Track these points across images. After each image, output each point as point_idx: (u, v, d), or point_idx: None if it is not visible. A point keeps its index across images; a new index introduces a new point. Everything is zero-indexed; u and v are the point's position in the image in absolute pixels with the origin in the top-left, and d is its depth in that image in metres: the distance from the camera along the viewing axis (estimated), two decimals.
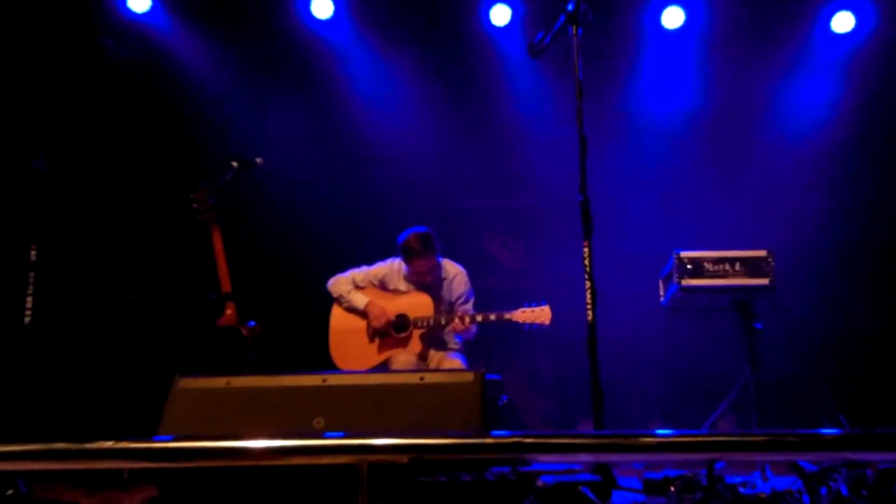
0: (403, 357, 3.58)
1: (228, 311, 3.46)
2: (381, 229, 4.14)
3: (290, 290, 4.47)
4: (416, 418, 2.23)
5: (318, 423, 2.23)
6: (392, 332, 3.67)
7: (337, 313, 3.77)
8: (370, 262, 3.83)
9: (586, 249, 2.56)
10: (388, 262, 3.81)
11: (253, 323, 3.49)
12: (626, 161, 4.44)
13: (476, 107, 4.52)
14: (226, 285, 3.45)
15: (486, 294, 3.92)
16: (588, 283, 2.56)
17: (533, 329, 3.48)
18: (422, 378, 2.32)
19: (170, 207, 4.12)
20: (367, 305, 3.69)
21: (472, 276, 3.83)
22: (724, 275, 3.28)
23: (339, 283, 3.78)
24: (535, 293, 3.72)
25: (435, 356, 3.72)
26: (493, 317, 3.54)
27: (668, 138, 4.45)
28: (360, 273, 3.79)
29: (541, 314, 3.48)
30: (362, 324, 3.73)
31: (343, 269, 3.84)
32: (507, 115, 4.54)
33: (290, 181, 4.49)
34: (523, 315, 3.49)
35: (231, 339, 3.40)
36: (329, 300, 3.81)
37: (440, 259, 3.70)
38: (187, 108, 4.37)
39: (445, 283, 3.73)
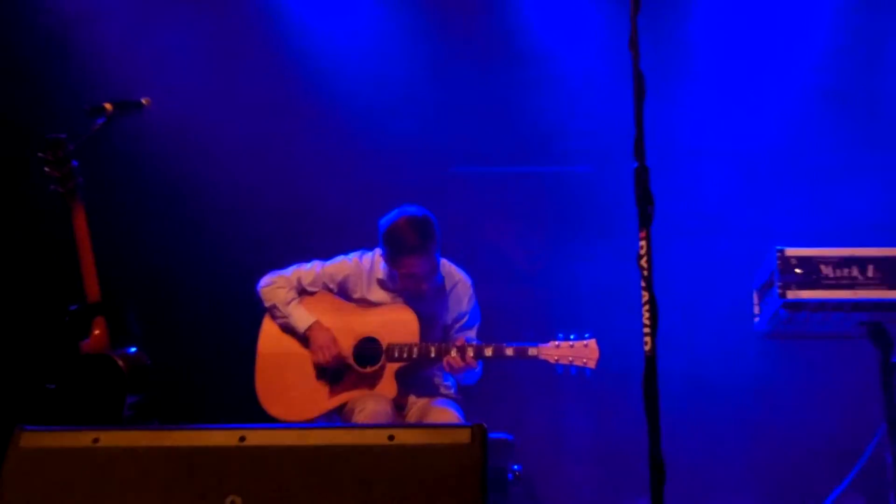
0: (370, 403, 3.55)
1: (97, 332, 3.40)
2: (345, 212, 4.18)
3: (194, 298, 4.57)
4: (385, 499, 2.23)
5: None
6: (354, 364, 3.67)
7: (269, 332, 3.78)
8: (326, 257, 3.86)
9: (643, 244, 2.46)
10: (356, 256, 3.82)
11: (134, 349, 3.48)
12: (702, 119, 4.57)
13: (479, 37, 4.68)
14: (93, 292, 3.37)
15: (491, 311, 3.99)
16: (645, 296, 2.46)
17: (570, 373, 3.50)
18: (393, 437, 2.30)
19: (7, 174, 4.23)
20: (309, 329, 3.69)
21: (478, 286, 3.86)
22: (852, 284, 3.14)
23: (276, 286, 3.77)
24: (566, 311, 3.78)
25: (416, 404, 3.73)
26: (509, 351, 3.56)
27: (758, 91, 4.62)
28: (308, 271, 3.79)
29: (584, 352, 3.50)
30: (306, 349, 3.75)
31: (282, 265, 3.86)
32: (526, 47, 4.70)
33: (201, 140, 4.61)
34: (558, 352, 3.51)
35: (101, 373, 3.35)
36: (258, 311, 3.83)
37: (440, 259, 3.72)
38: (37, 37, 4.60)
39: (442, 294, 3.78)
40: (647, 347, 2.47)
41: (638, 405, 2.46)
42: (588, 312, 3.83)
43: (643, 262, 2.49)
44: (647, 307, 2.49)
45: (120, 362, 3.34)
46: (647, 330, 2.49)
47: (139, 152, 4.52)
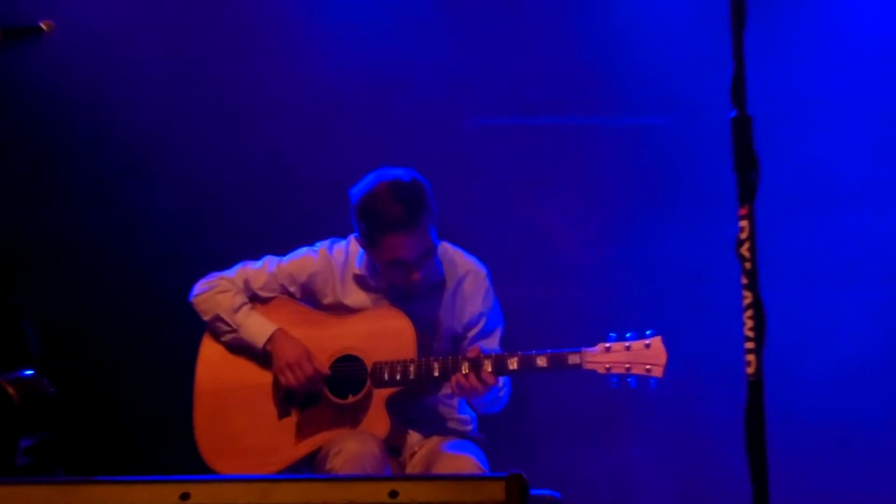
0: (350, 443, 3.50)
1: None
2: (330, 185, 4.15)
3: (117, 305, 4.60)
4: None
5: None
6: (327, 393, 3.65)
7: (210, 357, 3.81)
8: (282, 252, 3.85)
9: (744, 224, 2.45)
10: (323, 247, 3.82)
11: (30, 373, 3.51)
12: (825, 56, 4.60)
13: None
14: None
15: (518, 310, 4.00)
16: (748, 297, 2.44)
17: (630, 385, 3.47)
18: (396, 493, 2.32)
19: None
20: (271, 341, 3.70)
21: (499, 278, 3.81)
22: None
23: (217, 291, 3.78)
24: (625, 313, 3.67)
25: (419, 446, 3.72)
26: (542, 361, 3.53)
27: None
28: (258, 271, 3.81)
29: (647, 355, 3.47)
30: (264, 377, 3.73)
31: (226, 265, 3.86)
32: None
33: (136, 95, 4.75)
34: (610, 357, 3.49)
35: None
36: (196, 327, 3.82)
37: (438, 241, 3.67)
38: None
39: (447, 292, 3.77)
40: (749, 369, 2.43)
41: (733, 445, 2.44)
42: (656, 314, 3.75)
43: (744, 250, 2.44)
44: (749, 313, 2.44)
45: (9, 390, 3.38)
46: (749, 345, 2.44)
47: (44, 106, 4.65)
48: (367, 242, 3.61)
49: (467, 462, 3.56)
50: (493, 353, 3.58)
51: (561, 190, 4.87)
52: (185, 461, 3.67)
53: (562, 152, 4.88)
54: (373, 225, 3.57)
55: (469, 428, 3.79)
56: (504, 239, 4.62)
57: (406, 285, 3.64)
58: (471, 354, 3.56)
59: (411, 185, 3.59)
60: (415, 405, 3.70)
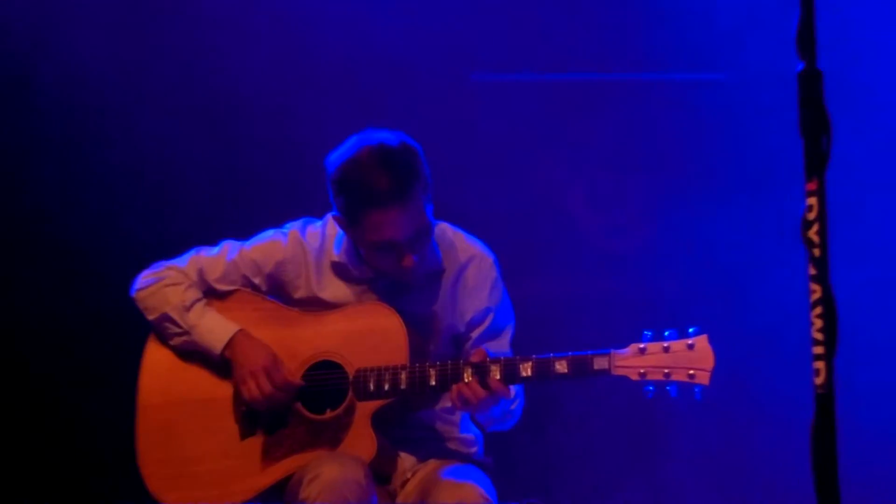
0: (329, 468, 3.49)
1: None
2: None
3: (37, 304, 4.69)
4: None
5: None
6: (300, 408, 3.64)
7: (156, 364, 3.82)
8: (245, 235, 3.86)
9: (812, 202, 2.42)
10: (294, 229, 3.82)
11: None
12: None
13: None
14: None
15: (533, 306, 4.14)
16: (816, 291, 2.42)
17: (670, 394, 3.46)
18: None
19: None
20: (231, 345, 3.71)
21: (509, 266, 3.82)
22: None
23: (164, 284, 3.79)
24: (662, 306, 3.63)
25: (414, 472, 3.72)
26: (562, 366, 3.52)
27: None
28: (214, 258, 3.83)
29: (690, 358, 3.44)
30: (223, 388, 3.74)
31: (177, 251, 3.85)
32: None
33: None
34: (645, 360, 3.47)
35: None
36: (140, 328, 3.82)
37: (435, 221, 3.69)
38: None
39: (447, 283, 3.78)
40: (818, 379, 2.43)
41: (802, 473, 2.43)
42: (695, 307, 3.73)
43: (812, 234, 2.43)
44: (818, 311, 2.44)
45: None
46: (818, 350, 2.44)
47: None
48: (349, 221, 3.59)
49: (471, 491, 3.55)
50: (503, 357, 3.55)
51: (584, 161, 4.91)
52: (126, 491, 3.66)
53: (586, 115, 4.89)
54: (355, 199, 3.56)
55: (474, 450, 3.78)
56: (515, 219, 4.72)
57: (396, 273, 3.62)
58: (475, 359, 3.53)
59: (400, 150, 3.58)
60: (407, 422, 3.69)
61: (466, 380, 3.50)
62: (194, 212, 4.62)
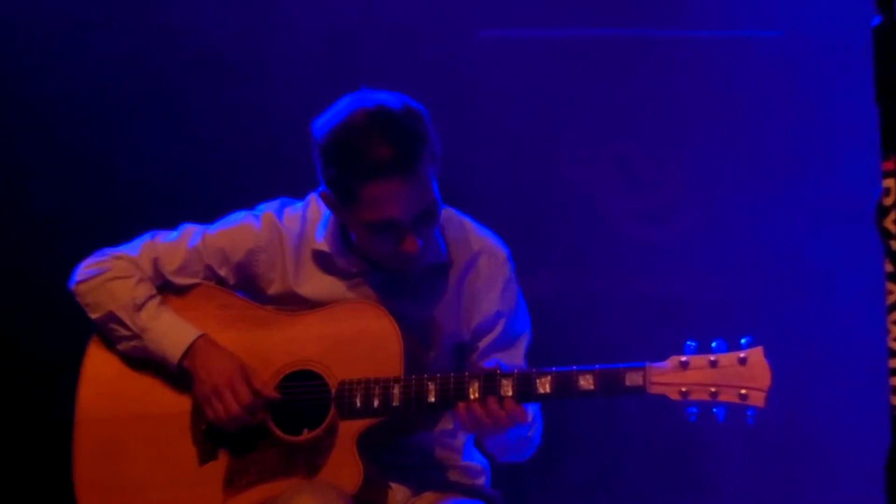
0: (305, 499, 3.51)
1: None
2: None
3: None
4: None
5: None
6: (271, 426, 3.65)
7: (100, 366, 3.84)
8: (209, 219, 3.88)
9: (890, 185, 2.44)
10: (269, 212, 3.85)
11: None
12: None
13: None
14: None
15: (558, 314, 4.32)
16: (894, 292, 2.43)
17: (717, 418, 3.44)
18: None
19: None
20: (191, 351, 3.72)
21: (524, 263, 3.84)
22: None
23: (112, 277, 3.79)
24: (708, 311, 3.60)
25: None
26: (587, 382, 3.50)
27: None
28: (173, 244, 3.84)
29: (742, 375, 3.43)
30: (179, 402, 3.76)
31: (128, 237, 3.87)
32: None
33: None
34: (688, 376, 3.47)
35: None
36: (81, 327, 3.84)
37: (442, 205, 3.68)
38: None
39: (452, 279, 3.81)
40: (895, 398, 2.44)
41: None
42: (747, 312, 3.71)
43: (889, 223, 2.47)
44: None
45: None
46: (895, 363, 2.45)
47: None
48: (340, 198, 3.58)
49: None
50: (516, 371, 3.53)
51: (611, 133, 4.99)
52: None
53: (614, 79, 4.96)
54: (348, 170, 3.54)
55: (480, 481, 3.79)
56: (527, 202, 4.83)
57: (395, 263, 3.62)
58: (485, 372, 3.52)
59: (403, 114, 3.56)
60: (400, 446, 3.70)
61: (472, 396, 3.50)
62: (150, 192, 4.68)
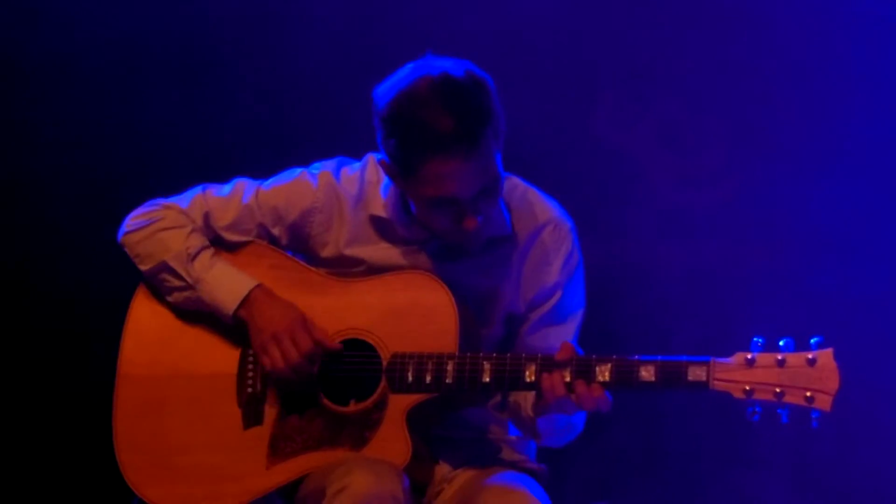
0: (357, 477, 3.46)
1: None
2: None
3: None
4: None
5: None
6: (321, 397, 3.65)
7: (145, 321, 3.84)
8: (262, 175, 3.87)
9: None
10: (326, 170, 3.83)
11: None
12: None
13: None
14: None
15: (611, 296, 4.26)
16: None
17: (781, 419, 3.40)
18: None
19: None
20: (248, 301, 3.70)
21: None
22: None
23: (163, 227, 3.78)
24: (778, 306, 3.54)
25: (451, 480, 3.74)
26: (648, 373, 3.47)
27: None
28: (225, 199, 3.84)
29: (811, 377, 3.40)
30: (227, 362, 3.74)
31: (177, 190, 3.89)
32: None
33: None
34: (752, 374, 3.43)
35: None
36: (128, 278, 3.83)
37: (505, 174, 3.65)
38: None
39: (516, 252, 3.79)
40: None
41: None
42: (818, 307, 3.65)
43: None
44: None
45: None
46: None
47: None
48: (400, 169, 3.54)
49: (523, 501, 3.56)
50: (580, 357, 3.50)
51: (652, 96, 4.96)
52: (100, 483, 3.79)
53: (661, 40, 4.95)
54: (410, 142, 3.49)
55: (525, 456, 3.79)
56: (564, 168, 4.73)
57: (453, 237, 3.60)
58: (561, 354, 3.48)
59: (468, 85, 3.50)
60: (448, 419, 3.71)
61: (529, 379, 3.47)
62: (200, 155, 4.70)
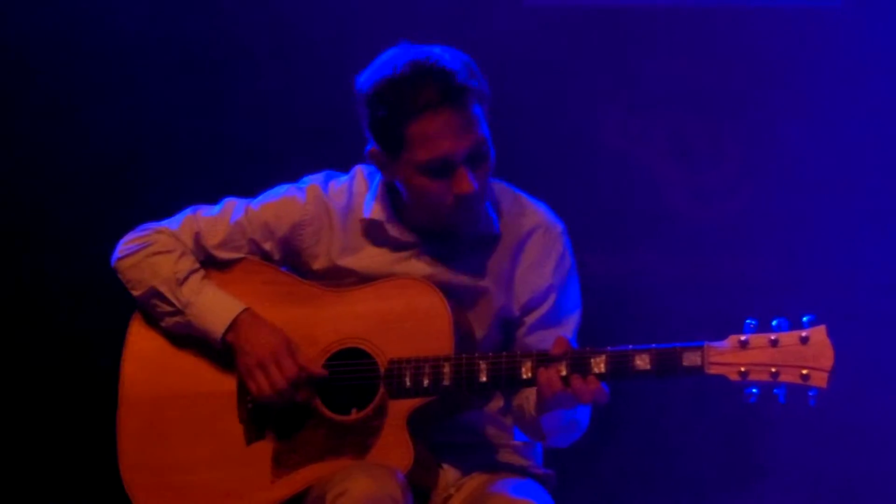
0: (359, 483, 3.45)
1: None
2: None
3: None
4: None
5: None
6: (319, 406, 3.62)
7: (143, 344, 3.83)
8: (251, 193, 3.87)
9: None
10: (314, 184, 3.84)
11: None
12: None
13: None
14: None
15: (606, 291, 4.34)
16: None
17: (778, 399, 3.38)
18: None
19: None
20: (235, 325, 3.71)
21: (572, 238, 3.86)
22: None
23: (154, 252, 3.78)
24: (768, 287, 3.54)
25: (459, 486, 3.72)
26: (643, 361, 3.45)
27: None
28: (215, 219, 3.84)
29: (804, 354, 3.38)
30: (225, 381, 3.74)
31: (169, 213, 3.87)
32: None
33: None
34: (746, 355, 3.41)
35: None
36: (123, 305, 3.83)
37: (494, 179, 3.68)
38: None
39: (506, 254, 3.77)
40: None
41: None
42: (807, 288, 3.65)
43: None
44: None
45: None
46: None
47: None
48: (390, 145, 3.55)
49: None
50: (577, 349, 3.50)
51: (665, 105, 4.99)
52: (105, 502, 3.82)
53: (668, 50, 4.99)
54: (396, 112, 3.52)
55: (531, 461, 3.77)
56: (575, 175, 4.78)
57: (452, 212, 3.56)
58: (556, 349, 3.46)
59: (448, 56, 3.57)
60: (451, 425, 3.68)
61: (525, 376, 3.46)
62: (191, 163, 4.74)
